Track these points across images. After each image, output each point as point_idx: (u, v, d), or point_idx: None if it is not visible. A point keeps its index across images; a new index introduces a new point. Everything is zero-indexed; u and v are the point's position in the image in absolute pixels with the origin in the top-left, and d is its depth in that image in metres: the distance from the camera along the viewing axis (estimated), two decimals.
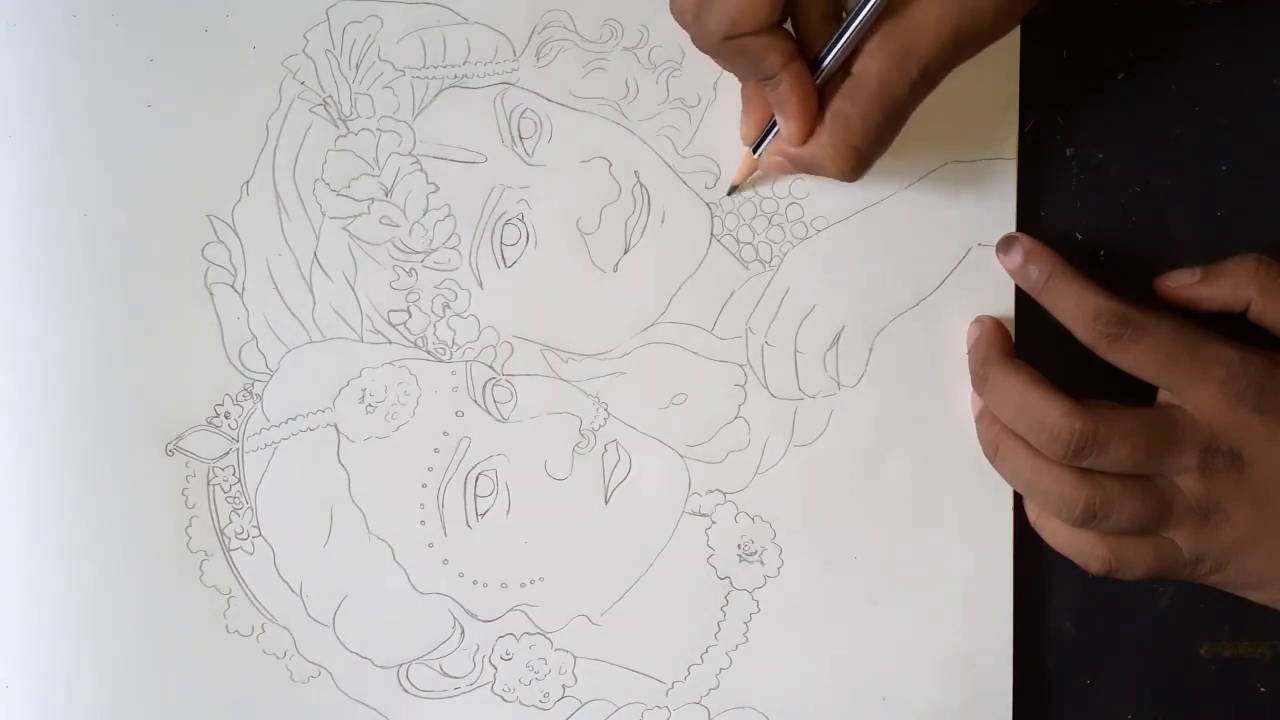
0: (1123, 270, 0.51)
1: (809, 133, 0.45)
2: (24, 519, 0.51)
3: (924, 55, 0.43)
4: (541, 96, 0.51)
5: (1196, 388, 0.47)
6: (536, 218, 0.51)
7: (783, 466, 0.52)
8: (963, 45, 0.44)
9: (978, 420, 0.51)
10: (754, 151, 0.49)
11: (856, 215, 0.52)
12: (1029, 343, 0.51)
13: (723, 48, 0.44)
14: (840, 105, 0.45)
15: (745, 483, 0.52)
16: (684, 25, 0.45)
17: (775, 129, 0.47)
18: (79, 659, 0.51)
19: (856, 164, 0.45)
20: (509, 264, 0.52)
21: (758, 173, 0.50)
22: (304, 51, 0.51)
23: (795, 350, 0.52)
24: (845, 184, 0.49)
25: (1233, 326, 0.49)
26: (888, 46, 0.44)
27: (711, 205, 0.52)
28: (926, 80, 0.44)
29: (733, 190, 0.51)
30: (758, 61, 0.44)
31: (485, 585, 0.52)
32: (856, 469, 0.52)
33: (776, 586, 0.52)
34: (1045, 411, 0.47)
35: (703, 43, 0.45)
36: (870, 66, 0.44)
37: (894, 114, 0.45)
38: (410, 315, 0.51)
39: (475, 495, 0.51)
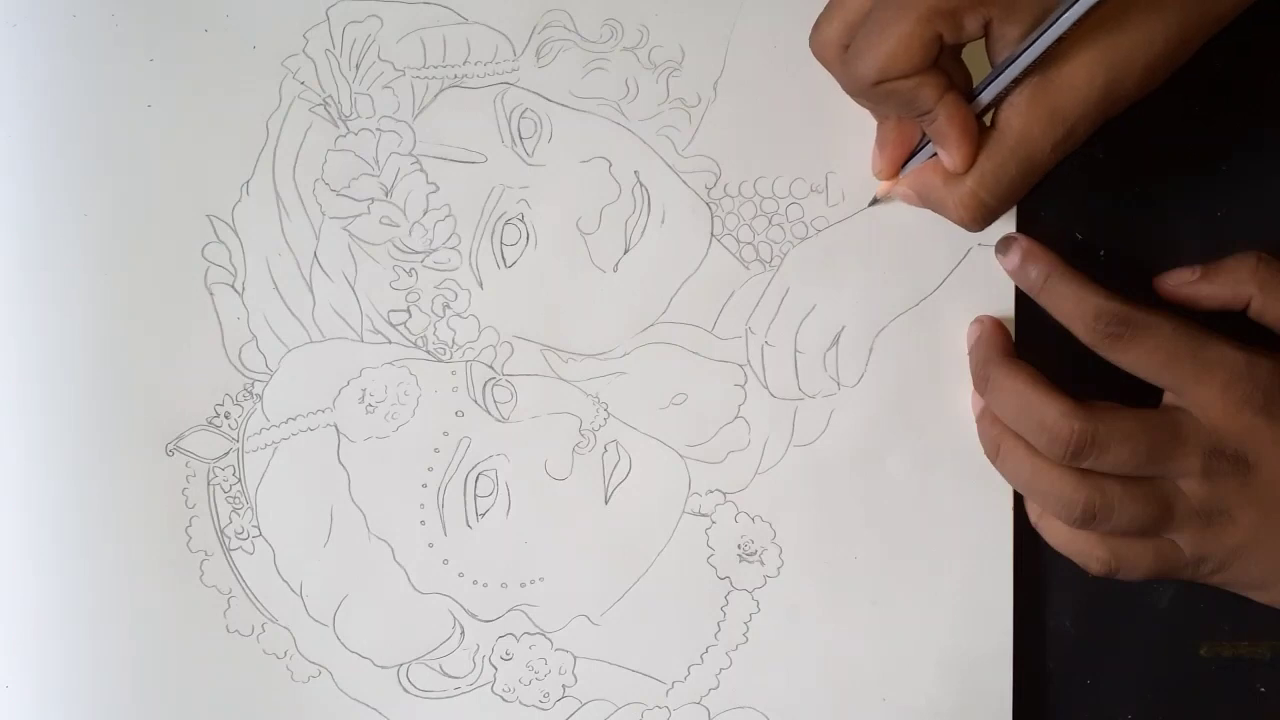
0: (1123, 270, 0.51)
1: (972, 159, 0.45)
2: (24, 519, 0.51)
3: (1070, 116, 0.43)
4: (541, 96, 0.51)
5: (1199, 389, 0.47)
6: (536, 218, 0.51)
7: (783, 466, 0.52)
8: (1108, 106, 0.43)
9: (979, 420, 0.51)
10: (901, 172, 0.49)
11: (856, 215, 0.52)
12: (1029, 343, 0.51)
13: (872, 92, 0.44)
14: (978, 156, 0.45)
15: (745, 483, 0.52)
16: (827, 67, 0.45)
17: (917, 156, 0.47)
18: (79, 659, 0.51)
19: (981, 216, 0.46)
20: (509, 264, 0.51)
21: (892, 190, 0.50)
22: (304, 51, 0.51)
23: (795, 350, 0.52)
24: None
25: (1233, 325, 0.49)
26: (1034, 104, 0.43)
27: (711, 205, 0.52)
28: (1070, 141, 0.44)
29: (874, 203, 0.51)
30: (911, 100, 0.44)
31: (485, 585, 0.52)
32: (856, 469, 0.52)
33: (776, 586, 0.52)
34: (1045, 412, 0.47)
35: (850, 87, 0.45)
36: (1014, 121, 0.44)
37: (1029, 172, 0.44)
38: (410, 315, 0.51)
39: (475, 495, 0.51)
